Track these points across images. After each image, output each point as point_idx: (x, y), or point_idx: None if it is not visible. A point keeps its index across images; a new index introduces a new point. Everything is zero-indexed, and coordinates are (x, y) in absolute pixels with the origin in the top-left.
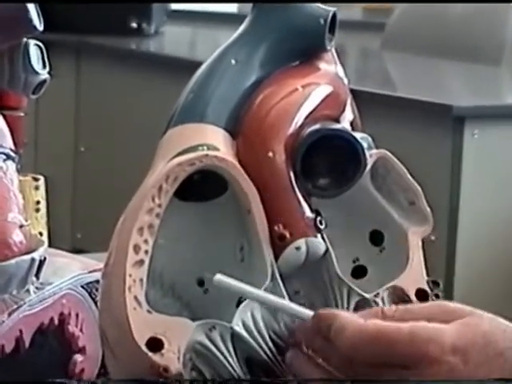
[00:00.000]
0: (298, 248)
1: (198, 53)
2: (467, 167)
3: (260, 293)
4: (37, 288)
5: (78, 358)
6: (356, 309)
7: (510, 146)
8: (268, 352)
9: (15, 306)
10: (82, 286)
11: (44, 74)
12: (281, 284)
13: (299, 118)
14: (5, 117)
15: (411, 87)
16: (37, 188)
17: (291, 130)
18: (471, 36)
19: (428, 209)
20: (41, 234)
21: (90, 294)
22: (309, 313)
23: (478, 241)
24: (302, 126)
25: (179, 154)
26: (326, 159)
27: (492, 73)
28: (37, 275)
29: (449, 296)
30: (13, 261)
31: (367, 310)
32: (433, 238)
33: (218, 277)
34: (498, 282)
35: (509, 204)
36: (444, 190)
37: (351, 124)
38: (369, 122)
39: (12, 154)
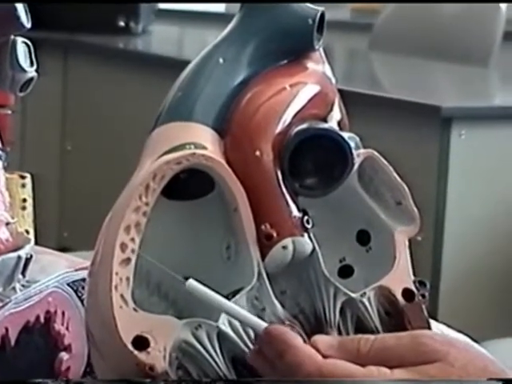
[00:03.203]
0: (284, 247)
1: (186, 52)
2: (454, 168)
3: (227, 304)
4: (23, 286)
5: (64, 356)
6: (342, 308)
7: (496, 146)
8: None
9: (1, 304)
10: (69, 284)
11: (31, 72)
12: (267, 283)
13: (287, 117)
14: None
15: (399, 88)
16: (23, 186)
17: (279, 129)
18: (459, 37)
19: (415, 209)
20: (27, 231)
21: (76, 292)
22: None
23: (465, 241)
24: (289, 125)
25: (166, 152)
26: (314, 158)
27: (480, 74)
28: (23, 273)
29: (434, 297)
30: None
31: (346, 340)
32: (419, 238)
33: (191, 281)
34: (484, 283)
35: (495, 204)
36: (431, 190)
37: (339, 123)
38: (356, 123)
39: None
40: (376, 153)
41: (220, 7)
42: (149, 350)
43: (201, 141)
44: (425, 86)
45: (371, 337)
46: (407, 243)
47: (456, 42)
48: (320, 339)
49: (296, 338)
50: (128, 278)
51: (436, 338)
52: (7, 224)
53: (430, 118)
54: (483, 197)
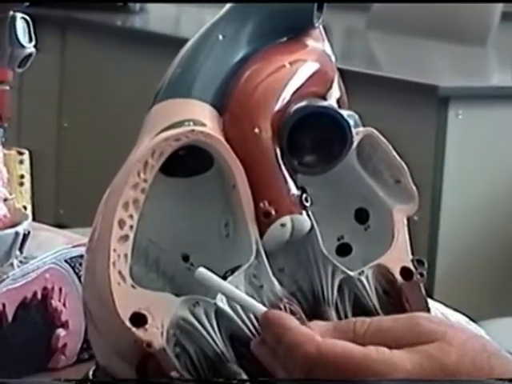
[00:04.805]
0: (283, 225)
1: (183, 30)
2: (451, 147)
3: (237, 293)
4: (20, 262)
5: (61, 332)
6: (340, 286)
7: (493, 126)
8: (252, 328)
9: None
10: (66, 261)
11: (30, 48)
12: (265, 261)
13: (286, 95)
14: None
15: (397, 67)
16: (21, 162)
17: (278, 106)
18: (457, 17)
19: (413, 187)
20: (25, 207)
21: (73, 268)
22: None
23: (461, 220)
24: (288, 103)
25: (165, 129)
26: (313, 136)
27: (477, 54)
28: (20, 249)
29: (431, 276)
30: None
31: (341, 323)
32: (416, 217)
33: (201, 270)
34: (480, 263)
35: (491, 184)
36: (428, 169)
37: (338, 101)
38: (354, 102)
39: None
40: (375, 131)
41: None
42: (146, 326)
43: (200, 118)
44: (422, 66)
45: (367, 319)
46: (405, 222)
47: (454, 22)
48: (315, 325)
49: (293, 321)
50: (126, 255)
51: (432, 320)
52: (5, 200)
53: (427, 97)
54: (479, 176)
